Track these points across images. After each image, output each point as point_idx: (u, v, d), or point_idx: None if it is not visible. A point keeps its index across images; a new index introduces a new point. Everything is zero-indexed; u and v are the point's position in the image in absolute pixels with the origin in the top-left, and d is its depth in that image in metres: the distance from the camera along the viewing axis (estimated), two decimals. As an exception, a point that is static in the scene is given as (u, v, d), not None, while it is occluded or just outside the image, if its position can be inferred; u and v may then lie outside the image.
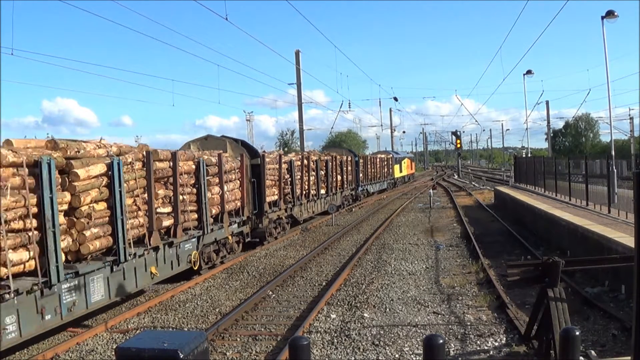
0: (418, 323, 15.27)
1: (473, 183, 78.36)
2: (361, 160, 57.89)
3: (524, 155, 61.56)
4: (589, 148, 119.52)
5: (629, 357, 6.18)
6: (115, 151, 17.04)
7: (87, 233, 15.41)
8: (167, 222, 19.45)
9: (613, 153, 32.84)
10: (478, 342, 13.57)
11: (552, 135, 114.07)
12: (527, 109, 77.99)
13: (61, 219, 14.66)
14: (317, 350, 13.43)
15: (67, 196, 14.92)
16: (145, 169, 18.18)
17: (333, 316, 16.20)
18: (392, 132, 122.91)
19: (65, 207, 14.90)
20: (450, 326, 14.88)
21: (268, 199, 30.32)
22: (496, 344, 13.41)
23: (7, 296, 12.79)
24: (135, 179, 17.54)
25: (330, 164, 44.62)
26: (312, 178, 39.16)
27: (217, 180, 23.46)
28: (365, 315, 16.16)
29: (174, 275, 20.31)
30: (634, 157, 27.05)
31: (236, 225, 25.49)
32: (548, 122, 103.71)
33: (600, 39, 38.53)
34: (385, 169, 74.01)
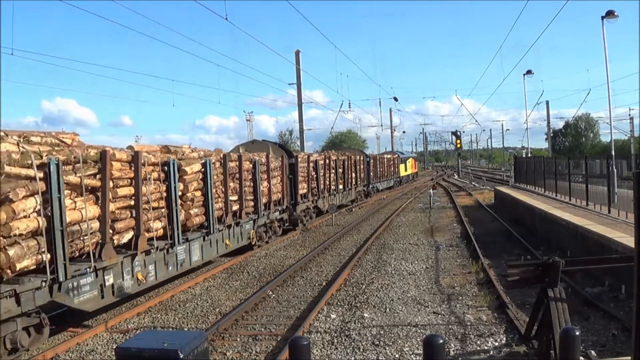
0: (418, 323, 15.27)
1: (473, 183, 78.32)
2: (372, 160, 62.96)
3: (523, 155, 61.57)
4: (589, 148, 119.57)
5: (629, 357, 6.18)
6: (202, 154, 22.97)
7: (192, 212, 21.24)
8: (235, 207, 25.54)
9: (613, 153, 32.85)
10: (478, 342, 13.58)
11: (552, 135, 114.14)
12: (527, 109, 77.94)
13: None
14: (317, 350, 13.44)
15: (181, 186, 20.46)
16: (222, 167, 23.99)
17: (333, 316, 16.21)
18: (392, 132, 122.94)
19: (180, 193, 20.43)
20: (450, 326, 14.89)
21: (300, 192, 35.85)
22: (496, 344, 13.42)
23: (152, 251, 18.45)
24: (217, 175, 23.49)
25: (347, 162, 49.85)
26: (332, 175, 44.60)
27: (265, 176, 29.54)
28: (365, 315, 16.17)
29: (238, 248, 25.80)
30: (634, 157, 27.06)
31: (278, 212, 31.56)
32: (548, 122, 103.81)
33: (600, 39, 38.55)
34: (392, 168, 78.62)
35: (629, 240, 17.52)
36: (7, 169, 13.03)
